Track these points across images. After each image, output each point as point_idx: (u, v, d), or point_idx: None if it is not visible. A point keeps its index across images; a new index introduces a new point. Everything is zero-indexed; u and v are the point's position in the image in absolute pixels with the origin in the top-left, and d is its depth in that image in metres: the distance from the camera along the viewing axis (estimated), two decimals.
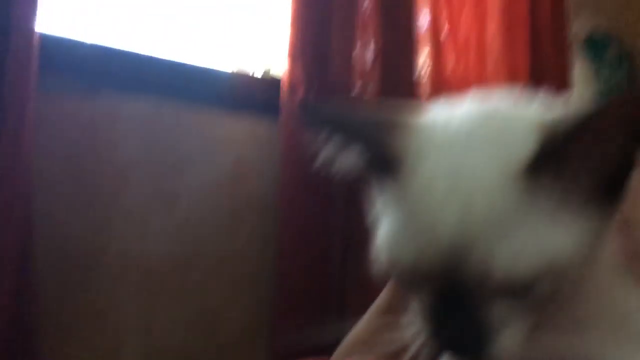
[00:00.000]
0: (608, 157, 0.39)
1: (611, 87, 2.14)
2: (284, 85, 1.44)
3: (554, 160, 0.38)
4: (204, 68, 1.47)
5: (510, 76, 1.81)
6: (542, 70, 1.89)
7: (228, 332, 1.42)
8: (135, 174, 1.31)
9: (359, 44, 1.55)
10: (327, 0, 1.48)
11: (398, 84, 1.56)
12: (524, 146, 0.38)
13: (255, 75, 1.59)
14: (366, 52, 1.56)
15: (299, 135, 1.40)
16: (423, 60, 1.68)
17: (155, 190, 1.34)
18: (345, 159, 0.44)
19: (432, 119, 0.42)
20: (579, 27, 2.10)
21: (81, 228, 1.24)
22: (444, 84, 1.71)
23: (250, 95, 1.51)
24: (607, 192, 0.39)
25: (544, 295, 0.38)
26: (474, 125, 0.41)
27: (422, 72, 1.68)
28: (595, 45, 2.12)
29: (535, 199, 0.37)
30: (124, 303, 1.30)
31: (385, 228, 0.42)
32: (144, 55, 1.38)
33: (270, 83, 1.55)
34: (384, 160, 0.41)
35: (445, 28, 1.71)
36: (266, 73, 1.66)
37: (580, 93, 2.06)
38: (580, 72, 2.09)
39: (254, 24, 1.62)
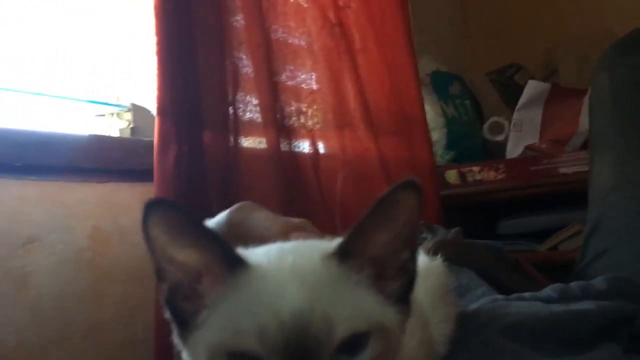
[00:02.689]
0: (383, 248, 0.51)
1: (458, 117, 2.31)
2: (156, 144, 1.37)
3: (347, 253, 0.50)
4: (52, 133, 1.38)
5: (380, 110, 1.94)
6: (402, 104, 2.03)
7: None
8: None
9: (231, 98, 1.54)
10: (193, 54, 1.45)
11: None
12: (328, 250, 0.52)
13: (112, 136, 1.54)
14: (241, 107, 1.56)
15: (174, 195, 1.36)
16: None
17: (3, 273, 1.24)
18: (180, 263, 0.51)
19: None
20: (424, 67, 2.26)
21: None
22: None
23: (107, 158, 1.45)
24: (401, 301, 0.52)
25: (378, 357, 0.47)
26: (298, 244, 0.55)
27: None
28: (439, 83, 2.29)
29: (348, 280, 0.49)
30: None
31: (215, 326, 0.48)
32: None
33: (129, 144, 1.50)
34: (228, 261, 0.49)
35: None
36: (123, 132, 1.62)
37: (433, 124, 2.21)
38: (430, 106, 2.25)
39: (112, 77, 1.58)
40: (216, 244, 0.49)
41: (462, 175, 2.17)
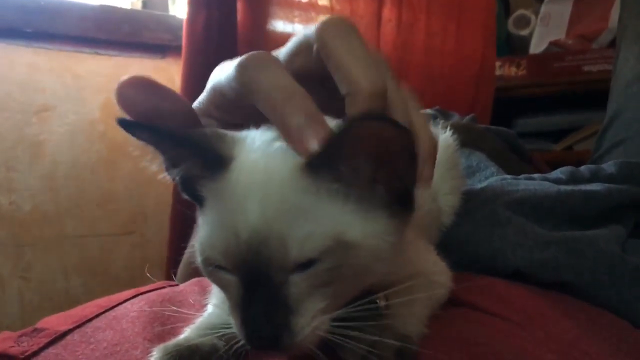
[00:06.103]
0: (365, 163, 0.44)
1: None
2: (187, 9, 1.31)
3: (326, 163, 0.43)
4: (62, 1, 1.34)
5: None
6: None
7: None
8: None
9: None
10: None
11: None
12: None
13: (123, 8, 1.49)
14: None
15: (201, 65, 1.31)
16: None
17: (18, 139, 1.25)
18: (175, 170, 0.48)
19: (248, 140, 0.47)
20: None
21: None
22: None
23: (118, 30, 1.42)
24: (399, 202, 0.45)
25: (334, 269, 0.43)
26: (277, 142, 0.46)
27: None
28: None
29: (318, 192, 0.43)
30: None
31: (204, 229, 0.46)
32: None
33: (140, 16, 1.46)
34: (211, 166, 0.45)
35: None
36: (134, 4, 1.57)
37: None
38: None
39: None
40: (197, 146, 0.46)
41: None
